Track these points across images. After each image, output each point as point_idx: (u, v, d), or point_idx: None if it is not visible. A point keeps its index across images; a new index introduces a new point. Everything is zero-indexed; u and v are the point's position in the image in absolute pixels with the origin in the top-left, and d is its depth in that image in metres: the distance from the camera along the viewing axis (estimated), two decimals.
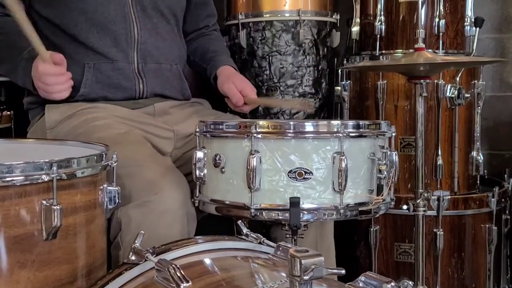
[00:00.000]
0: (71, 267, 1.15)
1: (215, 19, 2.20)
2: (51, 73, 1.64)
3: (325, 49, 2.39)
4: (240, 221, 1.23)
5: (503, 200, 2.26)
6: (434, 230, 2.13)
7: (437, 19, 2.21)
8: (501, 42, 2.86)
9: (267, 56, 2.32)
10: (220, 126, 1.48)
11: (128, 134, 1.70)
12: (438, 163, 2.17)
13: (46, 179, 1.08)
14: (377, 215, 1.56)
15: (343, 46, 2.44)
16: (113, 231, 1.51)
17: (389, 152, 1.49)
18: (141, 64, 1.85)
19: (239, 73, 2.02)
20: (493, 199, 2.20)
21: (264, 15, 2.34)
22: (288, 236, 1.44)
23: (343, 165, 1.39)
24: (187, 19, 2.09)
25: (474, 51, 2.26)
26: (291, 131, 1.41)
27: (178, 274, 0.92)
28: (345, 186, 1.41)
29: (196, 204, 1.55)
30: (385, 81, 2.21)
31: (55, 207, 1.08)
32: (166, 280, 0.94)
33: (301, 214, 1.39)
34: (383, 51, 2.26)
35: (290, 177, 1.40)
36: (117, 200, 1.28)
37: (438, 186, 2.19)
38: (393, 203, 1.56)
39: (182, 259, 1.06)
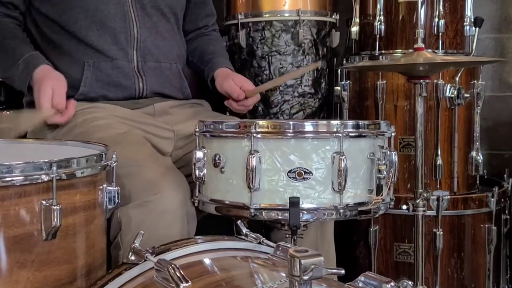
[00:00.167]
0: (71, 267, 1.15)
1: (214, 18, 2.20)
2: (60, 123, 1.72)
3: (325, 49, 2.39)
4: (239, 221, 1.23)
5: (502, 200, 2.26)
6: (434, 230, 2.13)
7: (436, 19, 2.21)
8: (501, 42, 2.86)
9: (266, 56, 2.32)
10: (220, 126, 1.48)
11: (128, 134, 1.70)
12: (438, 163, 2.17)
13: (45, 179, 1.08)
14: (377, 215, 1.56)
15: (342, 46, 2.44)
16: (113, 231, 1.51)
17: (388, 152, 1.49)
18: (141, 63, 1.85)
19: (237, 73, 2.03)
20: (492, 199, 2.20)
21: (264, 15, 2.34)
22: (287, 236, 1.44)
23: (343, 165, 1.39)
24: (187, 18, 2.09)
25: (473, 51, 2.26)
26: (291, 131, 1.41)
27: (178, 274, 0.92)
28: (344, 186, 1.41)
29: (196, 204, 1.55)
30: (385, 81, 2.21)
31: (54, 207, 1.08)
32: (166, 280, 0.94)
33: (301, 214, 1.39)
34: (383, 51, 2.26)
35: (290, 177, 1.40)
36: (116, 200, 1.28)
37: (438, 186, 2.19)
38: (392, 203, 1.56)
39: (182, 259, 1.06)
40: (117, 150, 1.31)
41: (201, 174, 1.50)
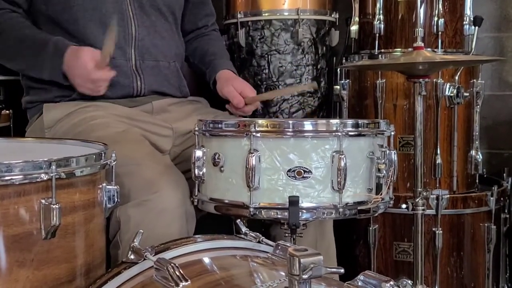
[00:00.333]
0: (70, 266, 1.15)
1: (213, 18, 2.20)
2: (107, 79, 1.71)
3: (324, 48, 2.39)
4: (239, 220, 1.23)
5: (502, 199, 2.26)
6: (433, 229, 2.13)
7: (436, 18, 2.20)
8: (500, 41, 2.86)
9: (266, 55, 2.32)
10: (219, 125, 1.48)
11: (126, 132, 1.70)
12: (437, 162, 2.17)
13: (45, 178, 1.08)
14: (376, 214, 1.56)
15: (342, 45, 2.44)
16: (112, 230, 1.51)
17: (388, 151, 1.49)
18: (139, 62, 1.85)
19: (238, 76, 2.03)
20: (492, 198, 2.19)
21: (263, 14, 2.34)
22: (287, 235, 1.44)
23: (342, 164, 1.39)
24: (185, 18, 2.09)
25: (473, 50, 2.26)
26: (290, 130, 1.41)
27: (177, 273, 0.92)
28: (344, 185, 1.41)
29: (195, 203, 1.55)
30: (384, 80, 2.21)
31: (54, 206, 1.08)
32: (165, 279, 0.94)
33: (300, 213, 1.39)
34: (382, 50, 2.26)
35: (289, 176, 1.40)
36: (116, 199, 1.28)
37: (437, 185, 2.19)
38: (392, 202, 1.56)
39: (181, 258, 1.06)
40: (116, 148, 1.31)
41: (201, 173, 1.50)
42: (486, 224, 2.20)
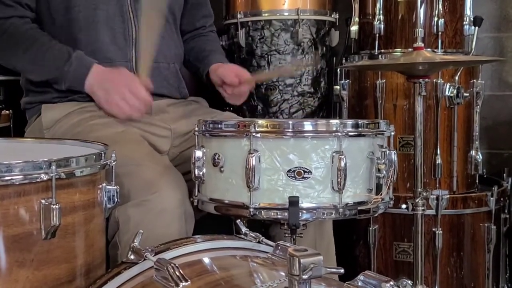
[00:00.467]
0: (70, 266, 1.15)
1: (211, 20, 2.20)
2: (145, 101, 1.70)
3: (324, 48, 2.39)
4: (239, 220, 1.23)
5: (502, 199, 2.26)
6: (433, 229, 2.13)
7: (436, 18, 2.21)
8: (500, 41, 2.86)
9: (266, 55, 2.32)
10: (219, 125, 1.48)
11: (125, 132, 1.70)
12: (437, 162, 2.17)
13: (45, 178, 1.08)
14: (376, 214, 1.56)
15: (342, 45, 2.44)
16: (111, 230, 1.51)
17: (388, 151, 1.49)
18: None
19: None
20: (492, 198, 2.20)
21: (263, 14, 2.34)
22: (287, 235, 1.44)
23: (342, 164, 1.39)
24: (184, 19, 2.09)
25: (473, 50, 2.26)
26: (290, 130, 1.41)
27: (177, 273, 0.92)
28: (344, 185, 1.40)
29: (195, 203, 1.55)
30: (384, 80, 2.21)
31: (54, 206, 1.07)
32: (165, 279, 0.94)
33: (300, 213, 1.39)
34: (382, 50, 2.26)
35: (289, 176, 1.40)
36: (116, 199, 1.28)
37: (437, 185, 2.19)
38: (392, 202, 1.56)
39: (181, 258, 1.06)
40: (115, 149, 1.31)
41: (201, 173, 1.50)
42: (486, 224, 2.20)
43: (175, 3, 1.99)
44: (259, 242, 1.16)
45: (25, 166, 1.06)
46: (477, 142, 2.27)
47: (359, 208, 1.46)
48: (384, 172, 1.47)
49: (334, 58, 2.47)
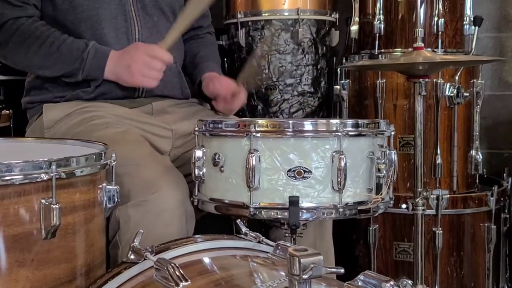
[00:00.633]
0: (70, 266, 1.15)
1: (208, 20, 2.18)
2: (166, 60, 1.72)
3: (324, 48, 2.39)
4: (239, 220, 1.23)
5: (502, 199, 2.26)
6: (433, 229, 2.13)
7: (436, 18, 2.21)
8: (500, 41, 2.86)
9: (266, 55, 2.32)
10: (219, 125, 1.48)
11: (126, 133, 1.70)
12: (437, 162, 2.17)
13: (45, 178, 1.08)
14: (376, 214, 1.56)
15: (342, 45, 2.44)
16: (111, 230, 1.51)
17: (388, 151, 1.49)
18: None
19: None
20: (492, 198, 2.19)
21: (263, 14, 2.34)
22: (287, 235, 1.44)
23: (342, 164, 1.39)
24: None
25: (473, 50, 2.26)
26: (290, 130, 1.41)
27: (177, 273, 0.92)
28: (344, 185, 1.40)
29: (195, 203, 1.55)
30: (384, 80, 2.21)
31: (54, 206, 1.07)
32: (165, 279, 0.94)
33: (300, 213, 1.39)
34: (382, 50, 2.26)
35: (289, 176, 1.40)
36: (116, 199, 1.28)
37: (437, 185, 2.19)
38: (392, 202, 1.56)
39: (181, 258, 1.06)
40: (116, 149, 1.31)
41: (201, 173, 1.50)
42: (486, 224, 2.20)
43: (175, 1, 1.99)
44: (259, 242, 1.16)
45: (25, 166, 1.06)
46: (477, 142, 2.27)
47: (359, 207, 1.46)
48: (384, 172, 1.47)
49: (334, 58, 2.47)
